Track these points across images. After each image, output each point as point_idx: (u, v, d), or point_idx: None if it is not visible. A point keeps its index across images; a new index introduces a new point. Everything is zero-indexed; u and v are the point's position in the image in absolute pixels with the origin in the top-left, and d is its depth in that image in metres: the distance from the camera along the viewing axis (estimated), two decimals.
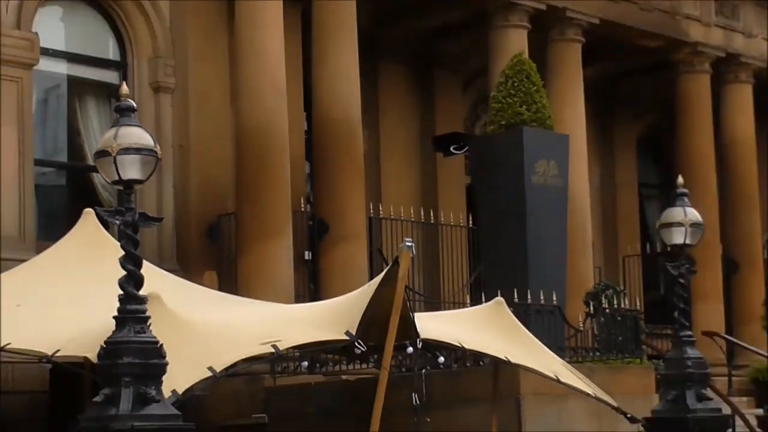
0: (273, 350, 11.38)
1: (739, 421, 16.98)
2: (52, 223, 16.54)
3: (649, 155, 27.23)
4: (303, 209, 18.78)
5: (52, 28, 17.91)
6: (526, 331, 13.81)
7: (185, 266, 17.10)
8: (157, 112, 17.95)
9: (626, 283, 22.46)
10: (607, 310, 17.83)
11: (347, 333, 11.72)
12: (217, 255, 18.23)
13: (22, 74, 17.05)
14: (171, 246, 17.91)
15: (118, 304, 9.34)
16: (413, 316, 12.43)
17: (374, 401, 12.11)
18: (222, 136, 18.58)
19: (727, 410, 15.62)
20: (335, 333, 11.88)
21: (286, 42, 18.57)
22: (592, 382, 13.72)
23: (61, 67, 18.24)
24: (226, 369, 10.94)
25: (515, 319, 13.86)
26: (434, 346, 12.89)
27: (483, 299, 14.93)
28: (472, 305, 15.50)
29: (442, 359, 13.16)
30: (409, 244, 12.06)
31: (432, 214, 19.99)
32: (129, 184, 9.43)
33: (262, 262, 17.77)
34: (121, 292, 9.33)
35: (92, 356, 9.87)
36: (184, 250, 18.04)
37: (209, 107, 18.63)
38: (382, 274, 12.36)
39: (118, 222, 9.41)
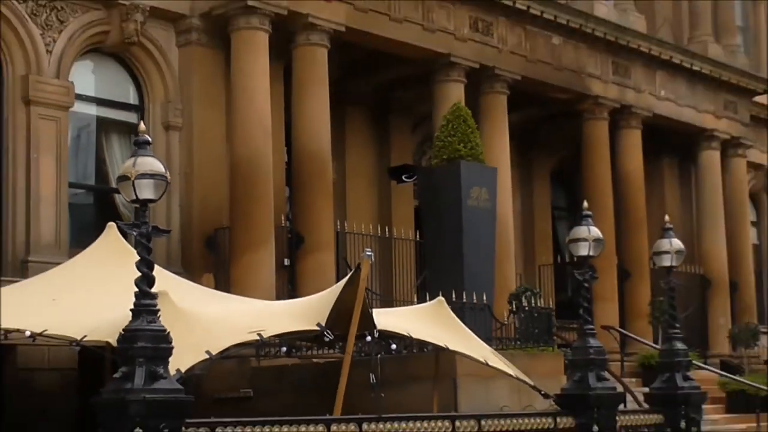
0: (258, 338, 11.36)
1: (629, 398, 16.94)
2: (81, 233, 16.37)
3: (560, 185, 27.33)
4: (283, 225, 18.70)
5: (84, 78, 17.85)
6: (462, 324, 13.78)
7: (188, 270, 16.96)
8: (168, 146, 17.86)
9: (541, 287, 22.34)
10: (526, 308, 17.79)
11: (318, 324, 11.66)
12: (213, 261, 18.13)
13: (60, 114, 16.98)
14: (177, 253, 17.83)
15: (134, 299, 9.28)
16: (371, 312, 12.41)
17: (339, 380, 12.02)
18: (219, 165, 18.48)
19: (620, 389, 15.55)
20: (309, 324, 11.82)
21: (272, 90, 18.56)
22: (513, 365, 13.68)
23: (91, 109, 18.18)
24: (221, 352, 10.85)
25: (453, 314, 13.84)
26: (388, 336, 12.81)
27: (427, 298, 14.85)
28: (418, 303, 15.47)
29: (394, 346, 13.08)
30: (369, 253, 12.08)
31: (387, 230, 19.91)
32: (144, 203, 9.46)
33: (250, 267, 17.73)
34: (137, 290, 9.33)
35: (113, 341, 9.83)
36: (187, 257, 17.95)
37: (209, 142, 18.55)
38: (347, 277, 12.35)
39: (135, 233, 9.50)
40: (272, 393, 15.45)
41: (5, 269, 16.06)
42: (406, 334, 12.78)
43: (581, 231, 13.96)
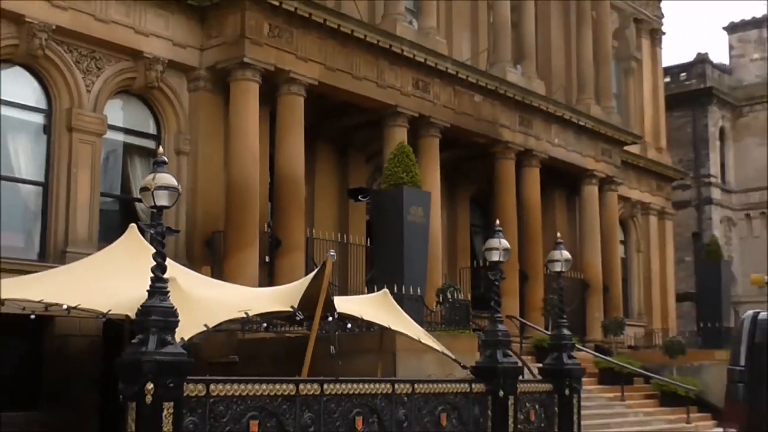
0: (245, 315, 11.31)
1: (526, 371, 16.94)
2: (108, 232, 16.16)
3: (477, 207, 27.32)
4: (266, 231, 18.59)
5: (115, 112, 17.67)
6: (401, 310, 13.76)
7: (191, 263, 16.78)
8: (178, 167, 17.69)
9: (461, 285, 22.42)
10: (450, 300, 17.85)
11: (292, 306, 11.68)
12: (211, 257, 17.96)
13: (95, 140, 16.89)
14: (183, 249, 17.71)
15: (149, 283, 9.26)
16: (333, 299, 12.39)
17: (306, 350, 11.97)
18: (217, 184, 18.39)
19: (520, 364, 15.54)
20: (284, 306, 11.86)
21: (260, 128, 18.53)
22: (440, 343, 13.69)
23: (119, 137, 17.98)
24: (216, 326, 10.82)
25: (395, 303, 13.83)
26: (345, 317, 12.79)
27: (375, 290, 14.79)
28: (368, 293, 15.41)
29: (349, 326, 13.09)
30: (332, 254, 12.10)
31: (344, 237, 19.92)
32: (160, 209, 9.47)
33: (239, 262, 17.67)
34: (152, 275, 9.37)
35: (132, 314, 9.78)
36: (190, 253, 17.79)
37: (210, 166, 18.45)
38: (315, 271, 12.37)
39: (152, 232, 9.54)
40: (253, 360, 15.36)
41: (48, 257, 16.05)
42: (359, 316, 12.80)
43: (494, 242, 13.99)
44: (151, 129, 18.42)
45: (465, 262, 25.69)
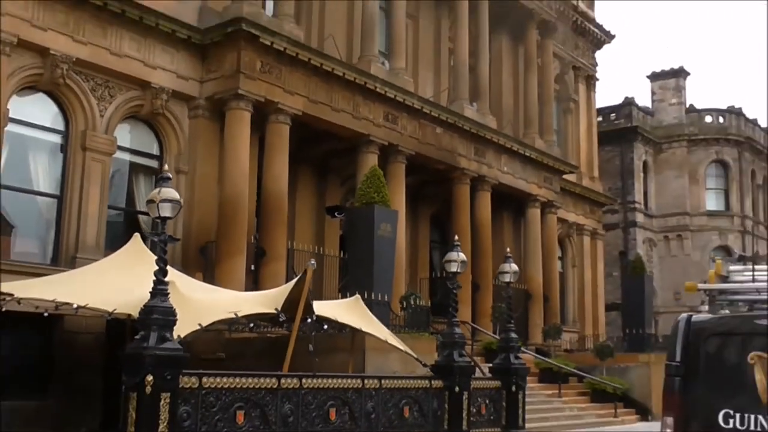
0: (234, 316, 11.17)
1: (477, 370, 16.84)
2: (114, 240, 15.92)
3: (436, 226, 27.17)
4: (252, 242, 18.32)
5: (124, 135, 17.41)
6: (371, 314, 13.65)
7: (186, 269, 16.45)
8: (177, 184, 17.22)
9: (421, 293, 22.37)
10: (412, 306, 17.73)
11: (276, 309, 11.54)
12: (204, 264, 17.62)
13: (105, 159, 16.67)
14: (179, 256, 17.32)
15: (152, 285, 9.09)
16: (312, 303, 12.20)
17: (287, 348, 11.82)
18: (212, 199, 18.11)
19: (473, 363, 15.47)
20: (269, 308, 11.75)
21: (250, 151, 18.37)
22: (404, 344, 13.59)
23: (127, 156, 17.66)
24: (209, 324, 10.61)
25: (365, 307, 13.74)
26: (322, 320, 12.62)
27: (348, 296, 14.64)
28: (341, 299, 15.25)
29: (326, 327, 12.88)
30: (312, 263, 11.95)
31: (321, 249, 19.64)
32: (164, 219, 9.31)
33: (229, 269, 17.42)
34: (155, 278, 9.21)
35: (134, 313, 9.62)
36: (186, 260, 17.45)
37: (206, 183, 18.17)
38: (296, 278, 12.20)
39: (156, 239, 9.37)
40: (238, 357, 15.03)
41: (60, 262, 15.73)
42: (334, 318, 12.63)
43: (453, 255, 13.95)
44: (155, 150, 18.15)
45: (425, 273, 25.59)
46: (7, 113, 15.07)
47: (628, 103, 43.07)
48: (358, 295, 13.95)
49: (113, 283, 11.85)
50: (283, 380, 10.65)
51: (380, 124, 21.39)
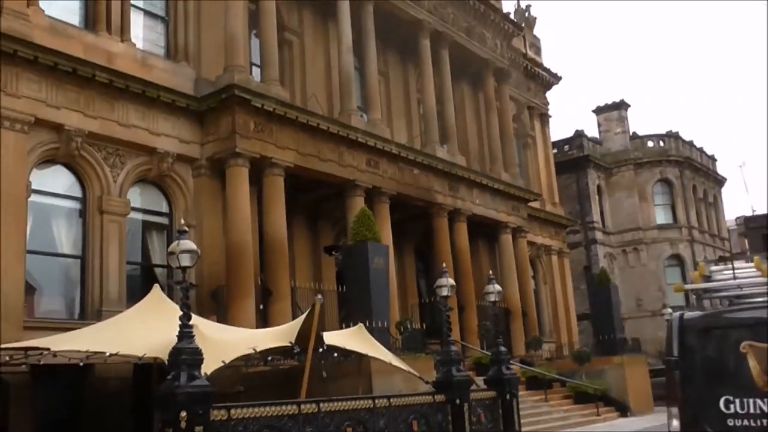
0: (254, 351, 11.05)
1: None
2: (134, 292, 15.76)
3: (419, 256, 27.03)
4: (259, 283, 18.15)
5: (136, 196, 17.27)
6: (374, 339, 13.55)
7: (200, 313, 16.10)
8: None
9: (412, 317, 22.24)
10: (408, 330, 17.62)
11: (290, 342, 11.40)
12: (216, 307, 17.42)
13: (121, 219, 16.55)
14: (194, 301, 16.87)
15: (178, 328, 8.98)
16: (322, 334, 12.10)
17: (299, 378, 11.70)
18: (219, 248, 17.90)
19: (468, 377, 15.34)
20: (284, 342, 11.60)
21: (250, 203, 18.29)
22: (405, 364, 13.49)
23: (139, 215, 17.48)
24: (231, 361, 10.48)
25: (368, 334, 13.59)
26: (332, 348, 12.50)
27: (351, 325, 14.50)
28: (341, 329, 15.08)
29: (335, 354, 12.76)
30: (320, 297, 11.88)
31: (319, 285, 19.51)
32: (184, 269, 9.15)
33: (239, 310, 17.23)
34: (180, 322, 9.03)
35: (162, 356, 9.44)
36: (199, 304, 17.11)
37: (212, 234, 18.00)
38: (306, 313, 12.07)
39: (180, 287, 9.21)
40: (256, 389, 14.73)
41: (87, 315, 15.55)
42: (342, 346, 12.53)
43: (443, 281, 13.90)
44: (164, 208, 18.04)
45: (414, 299, 25.45)
46: (30, 185, 14.97)
47: (579, 135, 43.52)
48: (361, 324, 13.84)
49: (139, 331, 11.69)
50: (302, 406, 10.48)
51: (364, 169, 21.42)
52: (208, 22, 19.18)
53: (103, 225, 16.08)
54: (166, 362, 9.11)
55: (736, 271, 6.28)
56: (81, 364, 11.65)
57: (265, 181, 18.72)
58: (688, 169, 45.02)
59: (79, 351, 11.19)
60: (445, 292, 13.99)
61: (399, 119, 26.31)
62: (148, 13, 18.75)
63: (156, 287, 13.30)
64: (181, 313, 9.19)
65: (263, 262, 18.69)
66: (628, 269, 42.51)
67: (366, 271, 16.06)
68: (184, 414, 8.63)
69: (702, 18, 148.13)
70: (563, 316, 32.50)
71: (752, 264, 6.22)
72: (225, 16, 18.75)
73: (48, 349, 11.22)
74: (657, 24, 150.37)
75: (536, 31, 37.56)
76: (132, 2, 18.12)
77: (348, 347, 12.53)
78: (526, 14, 37.04)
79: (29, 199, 14.86)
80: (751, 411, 5.62)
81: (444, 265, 14.95)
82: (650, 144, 44.90)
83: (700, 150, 48.28)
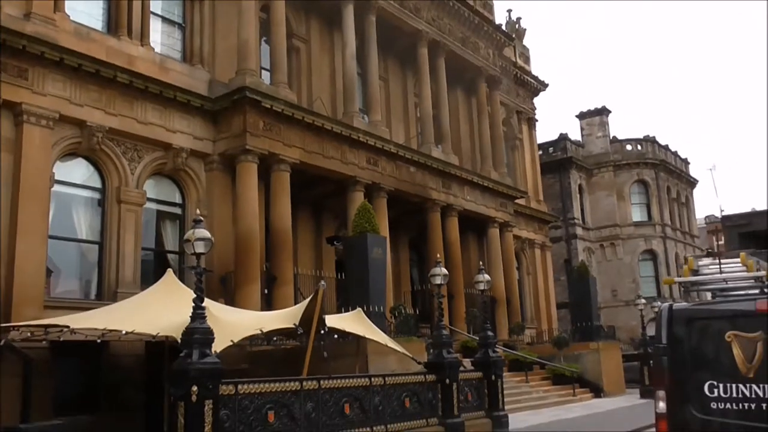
0: (260, 332, 11.00)
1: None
2: (148, 276, 15.74)
3: (413, 248, 27.00)
4: (265, 270, 18.07)
5: (152, 188, 17.16)
6: (371, 323, 13.50)
7: (210, 297, 15.72)
8: None
9: (405, 303, 22.17)
10: (402, 315, 17.56)
11: (294, 324, 11.35)
12: (224, 291, 17.28)
13: (137, 209, 16.41)
14: (204, 285, 16.92)
15: (192, 309, 8.91)
16: (324, 317, 12.06)
17: (301, 357, 11.65)
18: (228, 237, 17.78)
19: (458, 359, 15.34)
20: (289, 324, 11.55)
21: (258, 196, 18.20)
22: (399, 345, 13.45)
23: (154, 206, 17.35)
24: (239, 340, 10.44)
25: (366, 317, 13.55)
26: (332, 330, 12.46)
27: (349, 309, 14.46)
28: (339, 313, 15.00)
29: (336, 336, 12.73)
30: (323, 284, 11.82)
31: (319, 272, 19.38)
32: (199, 255, 9.11)
33: (246, 295, 17.12)
34: (194, 304, 8.98)
35: (175, 335, 9.39)
36: (209, 289, 16.73)
37: (223, 225, 17.83)
38: (310, 297, 12.04)
39: (194, 272, 9.18)
40: (259, 366, 14.82)
41: (104, 296, 15.43)
42: (342, 329, 12.49)
43: (437, 270, 13.90)
44: (177, 200, 17.91)
45: (407, 287, 25.39)
46: (53, 176, 14.88)
47: (563, 138, 43.45)
48: (359, 309, 13.79)
49: (153, 312, 11.62)
50: (304, 383, 10.48)
51: (364, 167, 21.34)
52: (222, 28, 19.08)
53: (121, 214, 15.97)
54: (179, 341, 9.08)
55: (722, 266, 6.24)
56: (98, 340, 11.59)
57: (273, 176, 18.62)
58: (663, 171, 44.99)
59: (96, 329, 11.14)
60: (438, 280, 13.98)
61: (397, 121, 26.20)
62: (166, 20, 18.64)
63: (169, 271, 13.22)
64: (194, 296, 9.16)
65: (269, 251, 18.60)
66: (605, 262, 42.51)
67: (365, 260, 15.98)
68: (195, 388, 8.62)
69: (679, 29, 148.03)
70: (544, 305, 32.46)
71: (738, 259, 6.18)
72: (238, 23, 18.65)
73: (67, 326, 11.17)
74: (638, 36, 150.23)
75: (526, 42, 37.46)
76: (151, 9, 17.99)
77: (348, 330, 12.49)
78: (517, 26, 36.92)
79: (52, 189, 14.77)
80: (734, 395, 5.60)
81: (438, 256, 14.87)
82: (629, 147, 44.85)
83: (675, 153, 48.24)
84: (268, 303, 17.90)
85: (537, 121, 36.59)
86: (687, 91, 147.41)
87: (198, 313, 8.88)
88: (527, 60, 37.02)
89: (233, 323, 11.11)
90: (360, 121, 21.68)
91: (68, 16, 15.83)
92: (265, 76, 20.46)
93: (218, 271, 17.58)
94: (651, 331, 28.13)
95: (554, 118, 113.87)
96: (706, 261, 6.64)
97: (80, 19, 16.22)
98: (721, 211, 38.11)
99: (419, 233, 25.85)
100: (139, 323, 11.04)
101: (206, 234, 9.07)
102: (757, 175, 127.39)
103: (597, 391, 22.96)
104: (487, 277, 15.33)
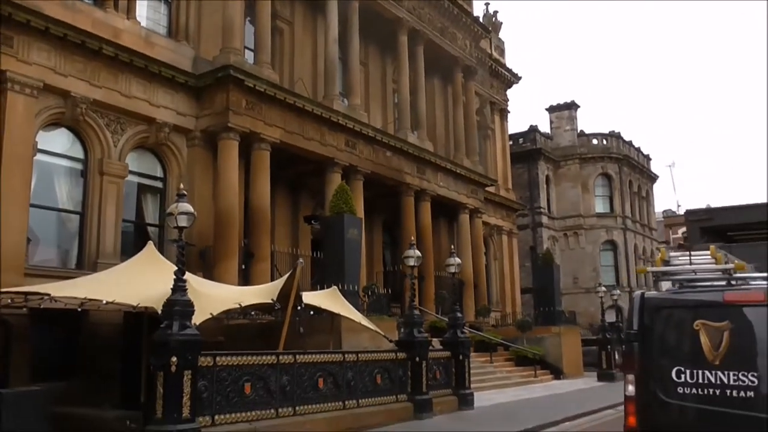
0: (239, 306, 10.88)
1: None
2: (128, 248, 15.49)
3: (387, 230, 26.94)
4: (242, 245, 17.93)
5: (133, 161, 16.84)
6: (345, 300, 13.46)
7: (189, 269, 15.69)
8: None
9: (377, 283, 22.16)
10: (374, 295, 17.56)
11: (272, 299, 11.28)
12: (203, 266, 17.06)
13: (119, 181, 16.13)
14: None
15: (173, 281, 8.76)
16: (301, 294, 11.99)
17: (277, 332, 11.58)
18: (208, 212, 17.55)
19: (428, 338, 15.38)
20: (266, 299, 11.47)
21: (239, 173, 18.02)
22: (372, 323, 13.45)
23: (136, 179, 17.05)
24: (218, 314, 10.33)
25: (341, 295, 13.51)
26: (308, 307, 12.41)
27: (324, 287, 14.40)
28: (314, 290, 14.95)
29: (312, 312, 12.68)
30: (301, 261, 11.76)
31: (296, 251, 19.35)
32: (181, 229, 8.96)
33: (224, 270, 16.97)
34: (175, 276, 8.83)
35: (155, 306, 9.25)
36: (188, 263, 16.43)
37: (203, 200, 17.54)
38: (288, 274, 11.95)
39: (176, 245, 9.03)
40: (235, 340, 14.67)
41: (84, 266, 15.20)
42: (318, 306, 12.44)
43: (410, 252, 13.91)
44: (159, 173, 17.65)
45: (379, 267, 25.37)
46: (36, 145, 14.54)
47: (533, 130, 43.65)
48: (335, 287, 13.75)
49: (133, 282, 11.43)
50: (281, 357, 10.44)
51: (342, 149, 21.21)
52: (208, 6, 18.75)
53: (103, 185, 15.69)
54: (159, 312, 8.96)
55: (692, 257, 6.30)
56: (78, 309, 11.39)
57: (253, 155, 18.43)
58: (626, 165, 45.49)
59: (76, 298, 10.94)
60: (412, 262, 14.00)
61: (376, 106, 26.06)
62: None
63: (150, 244, 13.03)
64: (174, 268, 9.04)
65: (247, 228, 18.46)
66: (568, 251, 42.97)
67: (341, 240, 15.92)
68: (174, 359, 8.53)
69: (646, 29, 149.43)
70: (509, 289, 32.75)
71: (707, 252, 6.25)
72: (224, 1, 18.33)
73: (48, 294, 10.96)
74: (607, 34, 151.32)
75: (501, 35, 37.47)
76: None
77: (323, 306, 12.45)
78: (494, 19, 36.89)
79: (35, 158, 14.44)
80: (700, 381, 5.68)
81: (412, 238, 14.87)
82: (595, 142, 45.24)
83: (638, 149, 48.80)
84: (246, 278, 17.79)
85: (509, 112, 36.71)
86: (651, 90, 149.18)
87: (179, 286, 8.77)
88: (502, 53, 37.04)
89: (213, 296, 10.99)
90: (340, 104, 21.51)
91: None
92: (249, 55, 20.14)
93: (198, 245, 17.35)
94: (609, 317, 28.61)
95: (525, 111, 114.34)
96: (676, 252, 6.71)
97: None
98: (678, 205, 38.74)
99: (393, 216, 25.80)
100: (120, 293, 10.84)
101: (189, 208, 8.95)
102: (713, 173, 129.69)
103: (557, 373, 23.28)
104: (458, 260, 15.40)
